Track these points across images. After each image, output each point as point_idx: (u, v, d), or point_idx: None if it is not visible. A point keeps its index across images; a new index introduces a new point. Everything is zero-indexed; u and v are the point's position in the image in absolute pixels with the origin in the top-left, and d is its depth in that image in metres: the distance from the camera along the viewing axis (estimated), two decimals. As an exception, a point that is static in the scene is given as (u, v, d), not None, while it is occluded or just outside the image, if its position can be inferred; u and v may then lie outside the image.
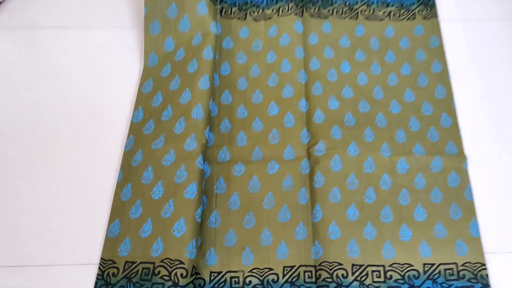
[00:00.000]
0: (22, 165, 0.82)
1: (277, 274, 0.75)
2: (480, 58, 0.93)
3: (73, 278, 0.74)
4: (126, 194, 0.78)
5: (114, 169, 0.82)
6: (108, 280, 0.72)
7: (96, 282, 0.73)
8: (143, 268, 0.72)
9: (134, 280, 0.72)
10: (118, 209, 0.78)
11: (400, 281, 0.74)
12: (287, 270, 0.75)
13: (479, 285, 0.74)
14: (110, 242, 0.75)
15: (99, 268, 0.74)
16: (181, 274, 0.70)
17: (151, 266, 0.72)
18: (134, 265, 0.73)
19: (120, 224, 0.76)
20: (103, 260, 0.74)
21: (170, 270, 0.70)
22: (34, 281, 0.74)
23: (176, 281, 0.69)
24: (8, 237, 0.77)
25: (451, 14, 0.99)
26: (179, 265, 0.70)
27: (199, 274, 0.74)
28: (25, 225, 0.78)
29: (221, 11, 0.98)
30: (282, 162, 0.83)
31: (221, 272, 0.75)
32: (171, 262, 0.71)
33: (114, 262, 0.74)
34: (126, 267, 0.73)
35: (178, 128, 0.81)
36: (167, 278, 0.70)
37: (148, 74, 0.90)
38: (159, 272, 0.71)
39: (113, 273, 0.73)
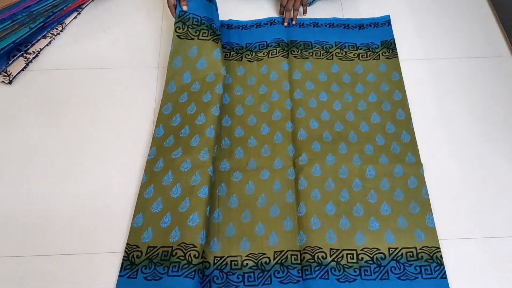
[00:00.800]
0: (59, 173, 1.00)
1: (269, 258, 0.90)
2: (433, 88, 1.13)
3: (99, 264, 0.89)
4: (148, 193, 0.95)
5: (136, 176, 0.99)
6: (133, 261, 0.88)
7: (122, 263, 0.88)
8: (162, 251, 0.88)
9: (155, 260, 0.87)
10: (142, 205, 0.94)
11: (369, 261, 0.90)
12: (277, 254, 0.91)
13: (434, 264, 0.89)
14: (135, 231, 0.91)
15: (125, 251, 0.89)
16: (194, 255, 0.85)
17: (169, 249, 0.87)
18: (155, 249, 0.88)
19: (143, 217, 0.92)
20: (128, 245, 0.90)
21: (185, 252, 0.86)
22: (68, 267, 0.88)
23: (190, 260, 0.85)
24: (46, 231, 0.92)
25: (409, 55, 1.20)
26: (192, 248, 0.86)
27: (205, 258, 0.89)
28: (59, 221, 0.94)
29: (221, 54, 1.20)
30: (272, 170, 1.01)
31: (223, 256, 0.90)
32: (186, 245, 0.86)
33: (138, 247, 0.89)
34: (148, 250, 0.89)
35: (193, 142, 0.99)
36: (182, 258, 0.85)
37: (167, 99, 1.08)
38: (176, 253, 0.86)
39: (137, 255, 0.88)
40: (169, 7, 1.11)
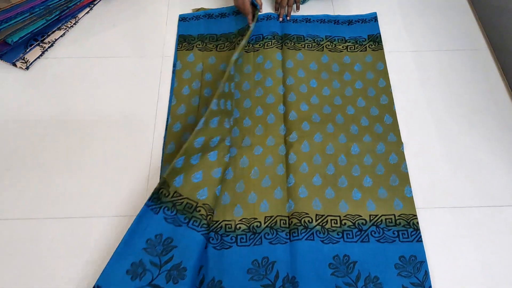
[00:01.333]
0: (71, 147, 1.09)
1: (260, 222, 0.99)
2: (415, 77, 1.22)
3: (107, 227, 0.98)
4: (199, 142, 1.02)
5: (143, 148, 1.09)
6: (160, 197, 0.96)
7: (152, 193, 0.96)
8: (187, 203, 0.96)
9: (178, 207, 0.95)
10: (188, 150, 1.00)
11: (351, 226, 0.98)
12: (267, 219, 0.99)
13: (411, 229, 0.97)
14: (173, 169, 0.98)
15: (160, 182, 0.97)
16: (212, 221, 0.96)
17: (194, 203, 0.96)
18: (180, 197, 0.96)
19: (183, 162, 0.99)
20: (163, 178, 0.97)
21: (207, 214, 0.95)
22: (78, 228, 0.98)
23: (209, 223, 0.95)
24: (58, 196, 1.02)
25: (394, 47, 1.29)
26: (211, 214, 0.96)
27: None
28: (70, 188, 1.03)
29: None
30: (265, 147, 1.10)
31: (218, 221, 0.99)
32: (210, 209, 0.96)
33: (169, 186, 0.97)
34: (174, 195, 0.96)
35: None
36: (204, 217, 0.94)
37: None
38: (199, 210, 0.95)
39: (165, 194, 0.96)
40: (246, 13, 1.25)
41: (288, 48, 1.28)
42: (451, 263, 0.94)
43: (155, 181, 1.04)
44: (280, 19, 1.34)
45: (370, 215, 1.00)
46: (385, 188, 1.03)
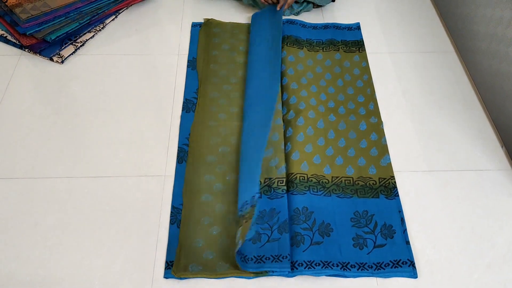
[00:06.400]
0: (101, 121, 1.29)
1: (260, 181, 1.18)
2: (392, 73, 1.45)
3: (134, 186, 1.16)
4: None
5: (167, 124, 1.28)
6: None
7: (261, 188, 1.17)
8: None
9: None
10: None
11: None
12: (266, 180, 1.18)
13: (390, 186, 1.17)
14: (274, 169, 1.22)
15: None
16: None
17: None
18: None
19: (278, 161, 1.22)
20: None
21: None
22: (108, 186, 1.15)
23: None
24: (90, 157, 1.20)
25: (375, 49, 1.52)
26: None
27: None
28: (102, 150, 1.22)
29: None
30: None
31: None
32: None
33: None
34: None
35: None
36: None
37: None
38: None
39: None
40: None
41: (289, 47, 1.51)
42: (422, 213, 1.13)
43: (173, 150, 1.23)
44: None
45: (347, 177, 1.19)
46: (364, 158, 1.22)
